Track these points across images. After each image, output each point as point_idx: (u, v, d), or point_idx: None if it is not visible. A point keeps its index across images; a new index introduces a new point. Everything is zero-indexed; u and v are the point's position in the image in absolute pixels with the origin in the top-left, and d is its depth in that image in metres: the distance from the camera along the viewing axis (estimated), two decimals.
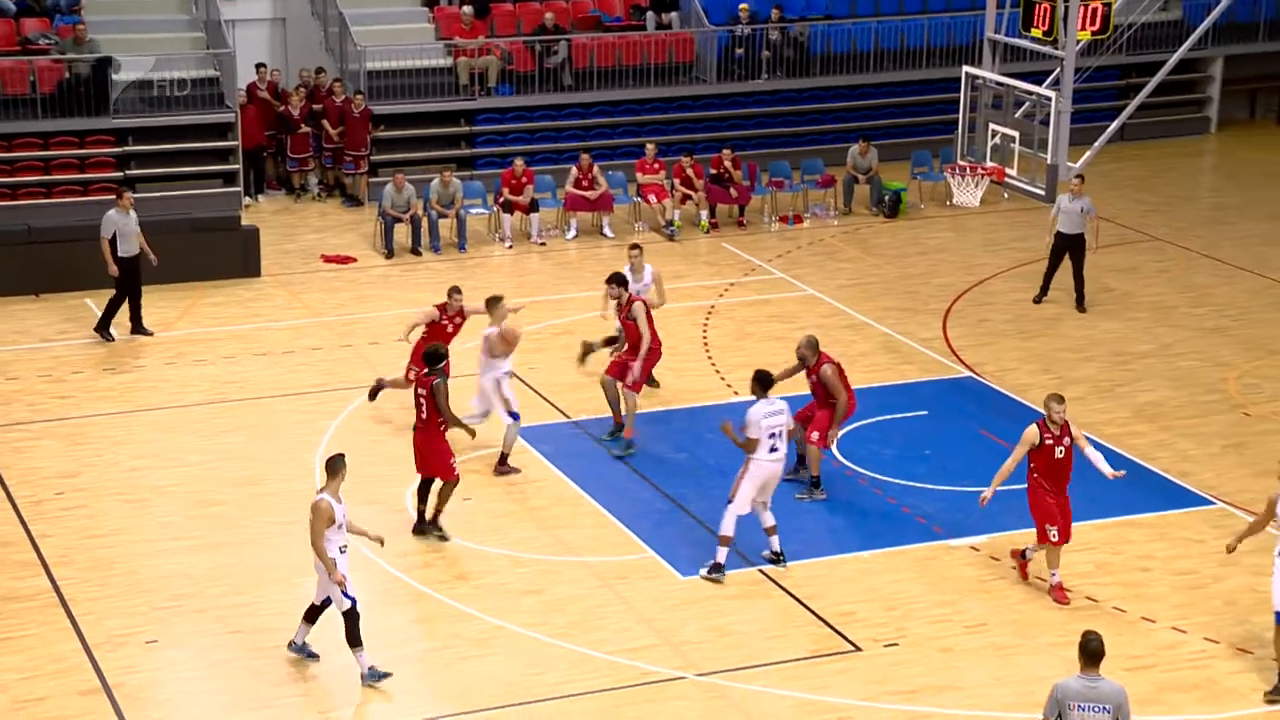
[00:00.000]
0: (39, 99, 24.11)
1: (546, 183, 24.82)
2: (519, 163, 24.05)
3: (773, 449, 14.33)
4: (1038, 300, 21.28)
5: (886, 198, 25.21)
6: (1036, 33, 20.93)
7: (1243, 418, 18.05)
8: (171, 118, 24.76)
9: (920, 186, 25.92)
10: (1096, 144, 21.57)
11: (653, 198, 24.40)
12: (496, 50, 26.53)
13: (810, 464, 15.99)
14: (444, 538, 15.20)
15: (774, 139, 27.43)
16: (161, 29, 25.97)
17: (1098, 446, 17.25)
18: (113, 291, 20.07)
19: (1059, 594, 14.16)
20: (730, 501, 14.46)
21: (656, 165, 24.66)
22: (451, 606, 14.11)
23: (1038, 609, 14.16)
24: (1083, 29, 20.40)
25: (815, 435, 15.83)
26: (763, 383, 14.55)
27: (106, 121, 24.38)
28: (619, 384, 17.00)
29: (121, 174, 24.32)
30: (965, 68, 22.12)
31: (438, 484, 15.24)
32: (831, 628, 13.81)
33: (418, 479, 15.48)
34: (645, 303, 17.17)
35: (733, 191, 24.66)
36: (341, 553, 12.82)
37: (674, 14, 27.63)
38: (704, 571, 14.58)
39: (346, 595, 12.75)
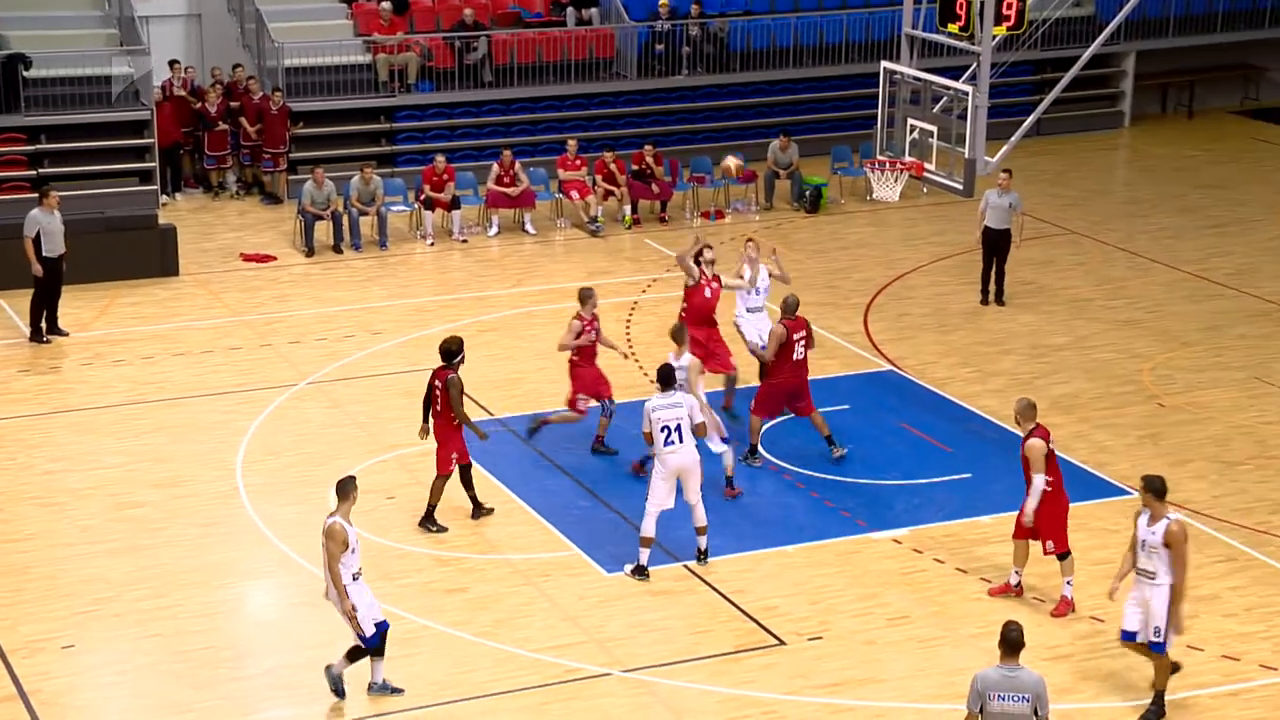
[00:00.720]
0: None
1: (468, 179, 24.74)
2: (440, 159, 23.97)
3: (668, 441, 14.37)
4: (984, 302, 21.42)
5: (807, 193, 25.35)
6: (953, 28, 21.10)
7: (1157, 408, 18.32)
8: (85, 115, 24.44)
9: (840, 181, 26.08)
10: (1013, 138, 21.77)
11: (575, 194, 24.39)
12: (416, 47, 26.41)
13: (750, 432, 16.60)
14: (444, 529, 15.34)
15: (695, 134, 27.50)
16: (74, 25, 25.63)
17: (1016, 438, 17.55)
18: (32, 293, 19.80)
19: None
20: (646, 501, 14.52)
21: (578, 161, 24.65)
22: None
23: (959, 601, 14.30)
24: (998, 24, 20.59)
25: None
26: (660, 378, 14.73)
27: (18, 119, 24.03)
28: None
29: (34, 172, 23.98)
30: (883, 63, 22.26)
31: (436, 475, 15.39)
32: (756, 622, 13.88)
33: (340, 471, 15.32)
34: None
35: (655, 187, 24.70)
36: (355, 580, 12.39)
37: (594, 10, 27.63)
38: (628, 570, 14.61)
39: (362, 636, 12.35)
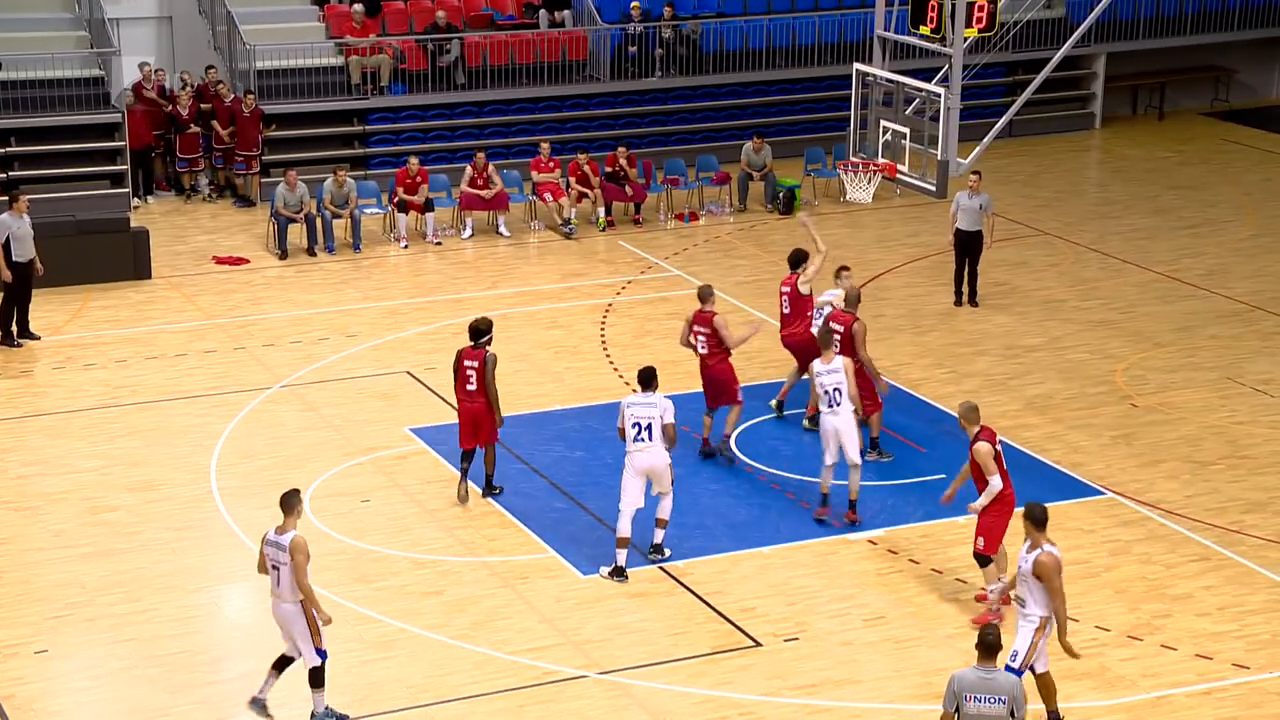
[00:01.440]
0: None
1: (441, 182, 24.70)
2: (413, 162, 23.92)
3: (637, 438, 14.48)
4: (958, 303, 21.48)
5: (781, 194, 25.38)
6: (925, 30, 21.18)
7: (1130, 409, 18.40)
8: (56, 118, 24.33)
9: (814, 183, 26.13)
10: (985, 140, 21.87)
11: (548, 196, 24.38)
12: (389, 49, 26.36)
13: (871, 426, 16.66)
14: (502, 490, 15.97)
15: (669, 137, 27.52)
16: (44, 27, 25.52)
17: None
18: (1, 298, 19.70)
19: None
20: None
21: (552, 164, 24.64)
22: (351, 609, 14.01)
23: (935, 602, 14.34)
24: (970, 26, 20.68)
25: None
26: (640, 380, 14.80)
27: None
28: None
29: (4, 175, 23.86)
30: (856, 65, 22.34)
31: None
32: (732, 624, 13.89)
33: (317, 480, 15.36)
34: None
35: (628, 189, 24.70)
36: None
37: (567, 12, 27.62)
38: (605, 572, 14.61)
39: (321, 651, 12.20)
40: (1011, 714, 10.57)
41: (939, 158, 20.78)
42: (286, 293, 21.78)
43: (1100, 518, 15.89)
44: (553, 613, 14.06)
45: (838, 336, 16.05)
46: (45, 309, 20.41)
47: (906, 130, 21.34)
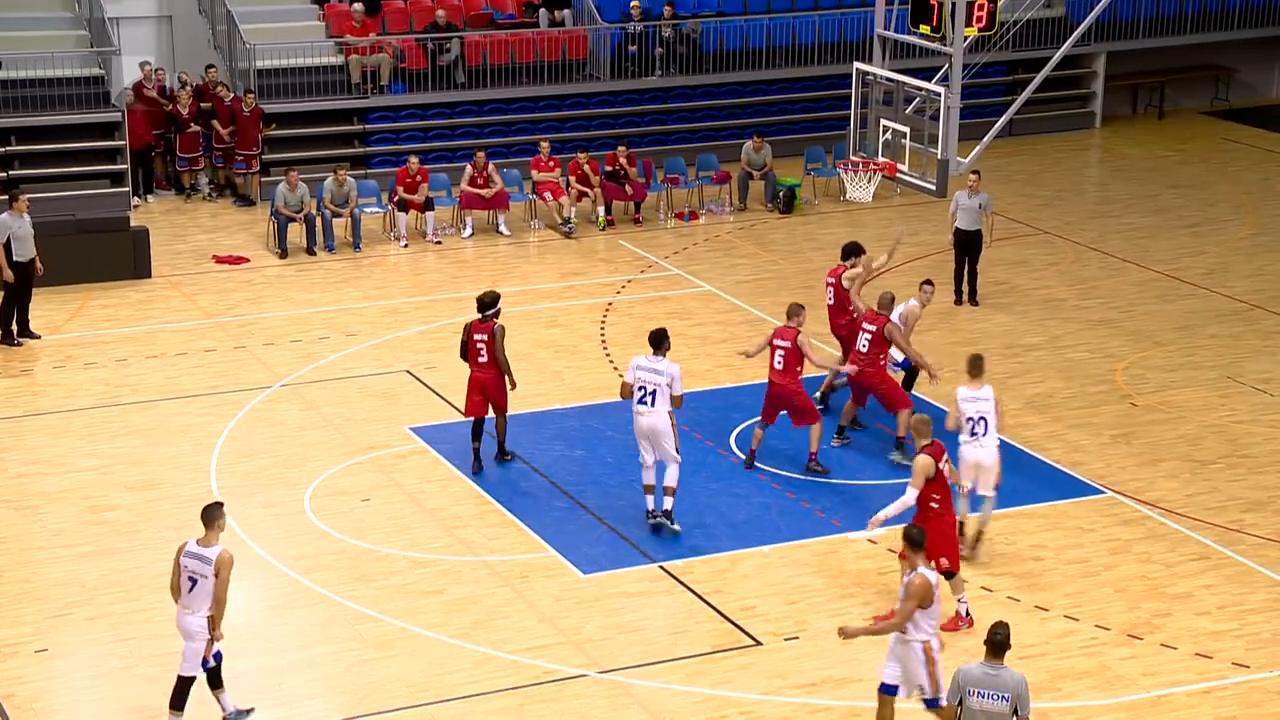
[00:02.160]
0: None
1: (441, 181, 24.70)
2: (413, 161, 23.92)
3: (640, 401, 14.88)
4: (958, 302, 21.48)
5: (781, 194, 25.38)
6: (925, 29, 21.19)
7: (1130, 408, 18.41)
8: (56, 117, 24.34)
9: (814, 182, 26.14)
10: (985, 139, 21.88)
11: (548, 195, 24.38)
12: (388, 48, 26.36)
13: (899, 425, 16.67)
14: (514, 456, 16.45)
15: (669, 136, 27.52)
16: (44, 26, 25.52)
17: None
18: (1, 297, 19.70)
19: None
20: None
21: (551, 163, 24.64)
22: (351, 608, 14.02)
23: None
24: (970, 25, 20.68)
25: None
26: (652, 341, 15.14)
27: None
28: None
29: (4, 174, 23.86)
30: (856, 64, 22.34)
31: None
32: (733, 623, 13.89)
33: (317, 479, 15.34)
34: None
35: (628, 188, 24.70)
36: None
37: (567, 11, 27.62)
38: (650, 524, 15.05)
39: (207, 659, 12.17)
40: (1015, 712, 10.58)
41: (939, 157, 20.80)
42: (286, 292, 21.78)
43: (1100, 516, 15.89)
44: (553, 612, 14.06)
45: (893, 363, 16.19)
46: (45, 308, 20.41)
47: (906, 129, 21.35)
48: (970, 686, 10.57)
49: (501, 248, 23.78)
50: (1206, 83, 31.82)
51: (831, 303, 18.00)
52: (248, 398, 18.25)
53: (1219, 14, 30.83)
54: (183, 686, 12.14)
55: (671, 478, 15.09)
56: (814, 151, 26.45)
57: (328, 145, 26.15)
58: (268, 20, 26.38)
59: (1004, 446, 16.73)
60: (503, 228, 24.23)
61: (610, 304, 21.47)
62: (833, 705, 12.78)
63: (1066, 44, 22.44)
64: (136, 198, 24.80)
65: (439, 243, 23.77)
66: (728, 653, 13.47)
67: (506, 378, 16.29)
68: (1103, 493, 16.35)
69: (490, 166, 24.13)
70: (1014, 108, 22.34)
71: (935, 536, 12.97)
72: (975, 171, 21.17)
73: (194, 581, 11.95)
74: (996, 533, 15.49)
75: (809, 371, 16.70)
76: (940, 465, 13.51)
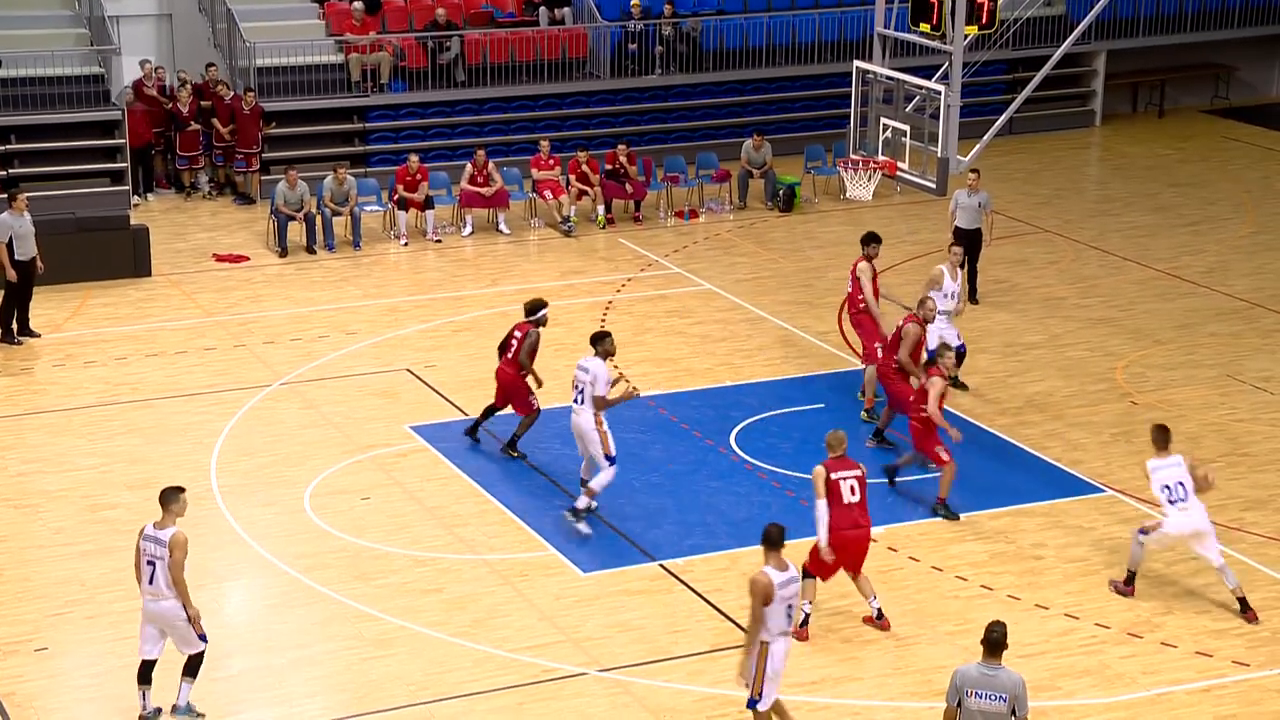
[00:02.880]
0: None
1: (441, 179, 24.70)
2: (413, 159, 23.92)
3: (575, 399, 15.25)
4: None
5: (781, 192, 25.38)
6: (925, 27, 21.17)
7: (1130, 406, 18.40)
8: (56, 116, 24.33)
9: (814, 181, 26.14)
10: (985, 137, 21.87)
11: (548, 194, 24.37)
12: (388, 46, 26.36)
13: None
14: (522, 455, 16.65)
15: (668, 134, 27.52)
16: (44, 25, 25.52)
17: (991, 435, 17.57)
18: (2, 295, 19.71)
19: None
20: None
21: (551, 161, 24.64)
22: (351, 607, 14.02)
23: (935, 599, 14.34)
24: (970, 24, 20.67)
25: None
26: (591, 340, 15.45)
27: None
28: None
29: (4, 173, 23.86)
30: (856, 62, 22.32)
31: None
32: (733, 622, 13.88)
33: (317, 478, 15.30)
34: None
35: (628, 187, 24.70)
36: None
37: (566, 9, 27.61)
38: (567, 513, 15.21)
39: (203, 635, 12.20)
40: (1013, 712, 10.57)
41: (939, 155, 20.78)
42: (286, 290, 21.78)
43: (1100, 515, 15.89)
44: (552, 610, 14.06)
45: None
46: (45, 306, 20.41)
47: (906, 128, 21.33)
48: (968, 687, 10.55)
49: (501, 246, 23.78)
50: (1206, 81, 31.83)
51: (850, 290, 18.11)
52: (248, 396, 18.26)
53: (1219, 12, 30.84)
54: (193, 663, 12.27)
55: (598, 481, 15.11)
56: (814, 150, 26.45)
57: (328, 144, 26.15)
58: (268, 19, 26.38)
59: (1014, 450, 16.84)
60: (503, 226, 24.23)
61: (610, 302, 21.47)
62: (832, 704, 12.78)
63: (1067, 42, 22.42)
64: (136, 196, 24.80)
65: (439, 241, 23.77)
66: (727, 651, 13.46)
67: (530, 379, 16.64)
68: (1103, 491, 16.35)
69: (490, 165, 24.13)
70: (1014, 106, 22.32)
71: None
72: (975, 170, 21.16)
73: (153, 565, 12.08)
74: (996, 532, 15.51)
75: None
76: (834, 477, 13.30)
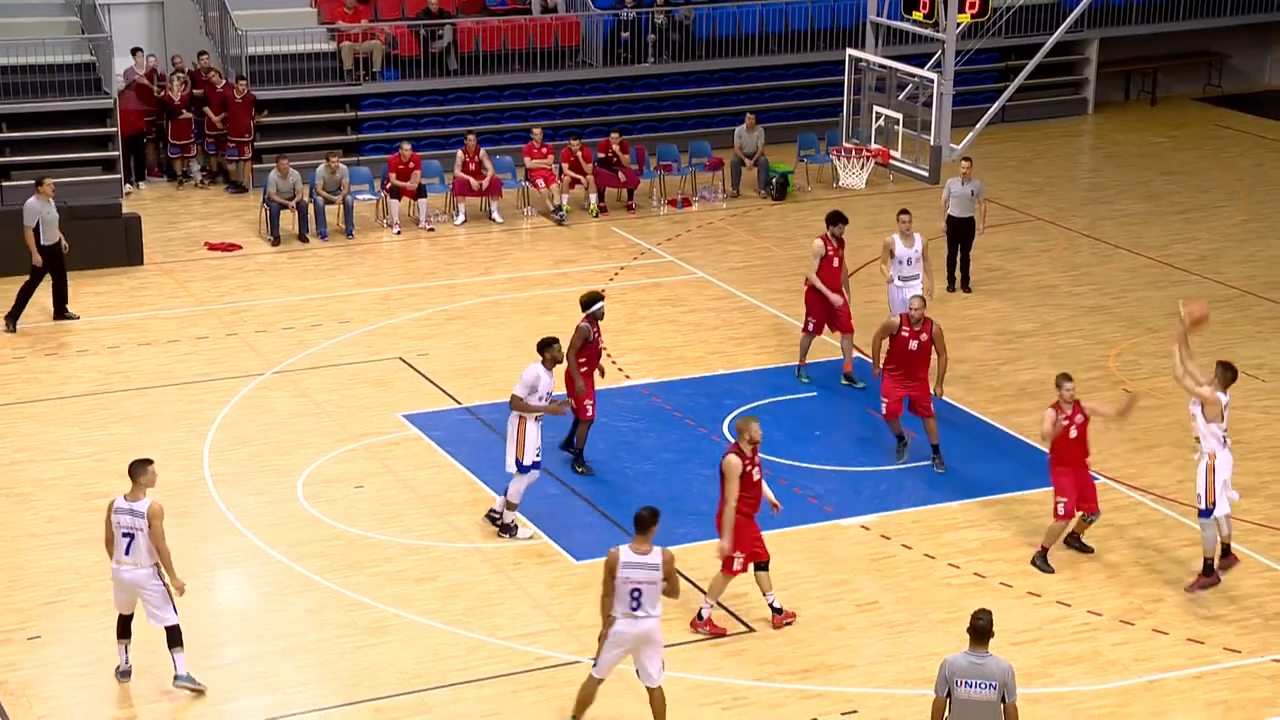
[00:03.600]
0: None
1: (434, 168, 24.67)
2: (406, 148, 23.89)
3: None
4: (950, 289, 21.47)
5: (774, 180, 25.38)
6: (918, 15, 21.19)
7: (1123, 394, 18.38)
8: (47, 104, 24.28)
9: (807, 169, 26.13)
10: (978, 125, 21.90)
11: (541, 182, 24.35)
12: (381, 35, 26.31)
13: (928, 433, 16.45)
14: (587, 469, 16.14)
15: (661, 122, 27.50)
16: (34, 13, 25.46)
17: (983, 425, 17.58)
18: (25, 279, 19.75)
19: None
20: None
21: (544, 149, 24.62)
22: (345, 595, 14.03)
23: (928, 586, 14.37)
24: (962, 11, 20.69)
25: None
26: (538, 346, 15.11)
27: None
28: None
29: None
30: (849, 50, 22.34)
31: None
32: (725, 609, 13.91)
33: (310, 466, 15.32)
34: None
35: (621, 175, 24.68)
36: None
37: None
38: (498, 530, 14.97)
39: (174, 608, 12.39)
40: (1002, 699, 10.59)
41: (932, 143, 20.81)
42: (279, 279, 21.77)
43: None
44: (545, 598, 14.07)
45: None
46: (38, 294, 20.37)
47: (899, 116, 21.35)
48: (957, 677, 10.56)
49: (494, 234, 23.77)
50: (1199, 69, 31.84)
51: (835, 265, 18.09)
52: (240, 384, 18.25)
53: (1211, 0, 30.83)
54: (174, 634, 12.41)
55: (510, 489, 14.83)
56: (807, 138, 26.44)
57: (320, 132, 26.12)
58: (259, 6, 26.33)
59: (1006, 438, 16.83)
60: (495, 214, 24.22)
61: (603, 291, 21.42)
62: (824, 691, 12.81)
63: (1059, 30, 22.47)
64: (128, 185, 24.77)
65: (432, 229, 23.75)
66: (720, 639, 13.48)
67: (571, 383, 15.94)
68: (1095, 479, 16.35)
69: (481, 152, 24.09)
70: (1006, 94, 22.36)
71: (741, 533, 13.26)
72: (967, 158, 21.17)
73: (130, 537, 12.26)
74: (989, 519, 15.53)
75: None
76: (749, 468, 13.24)
